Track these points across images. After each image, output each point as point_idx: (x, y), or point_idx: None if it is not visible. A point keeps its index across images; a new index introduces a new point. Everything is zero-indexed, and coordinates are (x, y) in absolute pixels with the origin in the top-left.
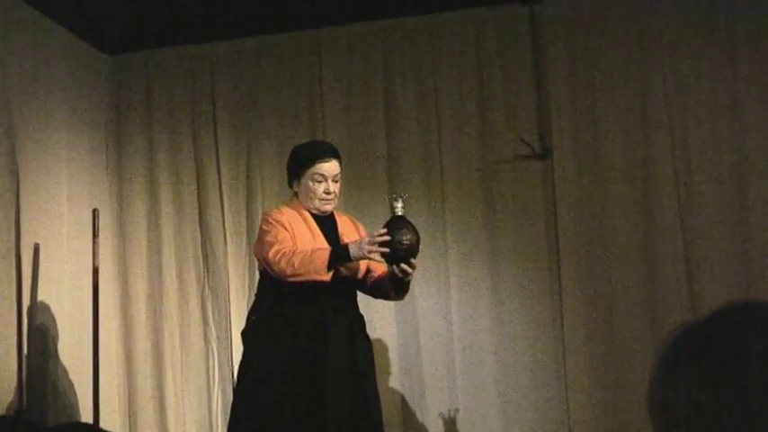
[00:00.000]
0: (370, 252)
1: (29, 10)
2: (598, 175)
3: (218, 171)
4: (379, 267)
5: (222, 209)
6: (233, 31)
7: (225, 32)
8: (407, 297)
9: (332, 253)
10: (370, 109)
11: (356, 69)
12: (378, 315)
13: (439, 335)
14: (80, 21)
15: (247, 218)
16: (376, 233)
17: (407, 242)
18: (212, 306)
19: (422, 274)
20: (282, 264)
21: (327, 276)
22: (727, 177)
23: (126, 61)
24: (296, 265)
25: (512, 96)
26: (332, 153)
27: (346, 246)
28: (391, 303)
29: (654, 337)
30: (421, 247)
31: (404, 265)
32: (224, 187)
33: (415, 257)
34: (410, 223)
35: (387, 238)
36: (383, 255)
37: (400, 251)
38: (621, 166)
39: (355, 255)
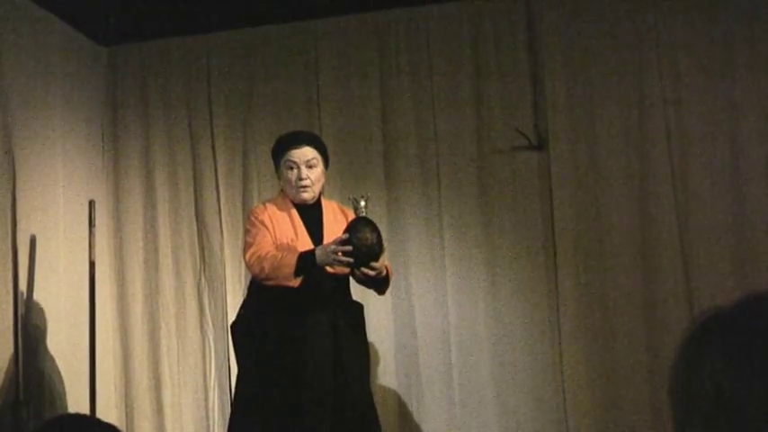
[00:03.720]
0: (334, 259)
1: (24, 1)
2: (594, 166)
3: (215, 161)
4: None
5: (218, 199)
6: (229, 22)
7: (220, 23)
8: (403, 288)
9: (299, 260)
10: (366, 100)
11: (352, 60)
12: (374, 309)
13: (435, 327)
14: (76, 12)
15: (243, 208)
16: (338, 238)
17: (366, 247)
18: (208, 296)
19: (419, 264)
20: (255, 268)
21: (296, 282)
22: (724, 166)
23: (122, 52)
24: (266, 270)
25: (508, 87)
26: (303, 139)
27: (313, 252)
28: (387, 296)
29: (649, 328)
30: (417, 237)
31: (364, 269)
32: (220, 177)
33: (376, 259)
34: (371, 224)
35: (349, 247)
36: (346, 262)
37: (358, 254)
38: (618, 155)
39: (321, 261)
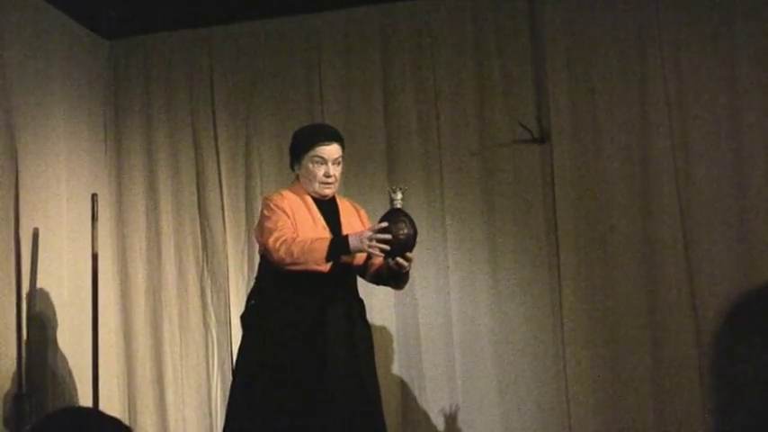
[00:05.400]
0: (369, 246)
1: None
2: (597, 160)
3: (217, 154)
4: (379, 257)
5: (221, 192)
6: (231, 15)
7: (223, 16)
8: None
9: (331, 244)
10: (368, 93)
11: (354, 53)
12: (377, 303)
13: (438, 323)
14: (78, 5)
15: (246, 201)
16: (376, 227)
17: (404, 236)
18: (211, 290)
19: (421, 258)
20: (282, 252)
21: (326, 267)
22: (726, 163)
23: (124, 46)
24: (295, 254)
25: (510, 81)
26: (333, 136)
27: (346, 237)
28: (391, 292)
29: (652, 324)
30: (420, 232)
31: (399, 259)
32: (222, 170)
33: (411, 251)
34: (408, 216)
35: (387, 236)
36: (381, 249)
37: (396, 244)
38: (620, 149)
39: (355, 247)
